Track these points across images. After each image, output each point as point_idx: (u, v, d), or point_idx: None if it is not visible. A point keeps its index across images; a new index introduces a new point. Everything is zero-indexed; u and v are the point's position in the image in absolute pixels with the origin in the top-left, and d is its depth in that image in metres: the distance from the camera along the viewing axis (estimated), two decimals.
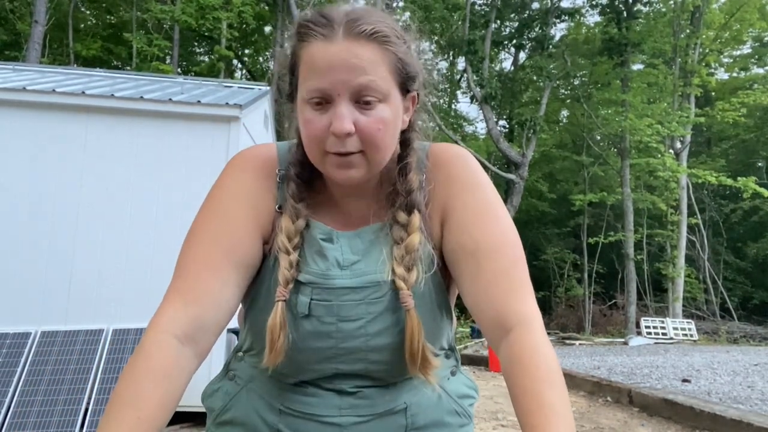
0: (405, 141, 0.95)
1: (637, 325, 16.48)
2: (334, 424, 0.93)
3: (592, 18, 23.09)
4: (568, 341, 14.90)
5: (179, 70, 19.51)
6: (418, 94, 0.94)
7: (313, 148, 0.87)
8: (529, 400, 0.79)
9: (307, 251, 0.92)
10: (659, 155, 18.54)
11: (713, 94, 24.07)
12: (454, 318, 1.02)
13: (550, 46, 20.73)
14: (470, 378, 1.07)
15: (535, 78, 22.78)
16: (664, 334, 15.45)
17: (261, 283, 0.93)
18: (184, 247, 0.90)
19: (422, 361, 0.88)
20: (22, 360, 4.15)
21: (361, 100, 0.84)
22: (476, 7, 20.78)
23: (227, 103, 5.20)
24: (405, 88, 0.90)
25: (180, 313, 0.83)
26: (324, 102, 0.84)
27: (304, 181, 0.95)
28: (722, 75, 25.81)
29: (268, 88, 7.53)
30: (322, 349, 0.91)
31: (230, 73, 21.20)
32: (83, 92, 5.15)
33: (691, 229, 20.44)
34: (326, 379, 0.93)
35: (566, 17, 21.53)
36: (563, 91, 23.82)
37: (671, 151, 19.17)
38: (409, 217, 0.91)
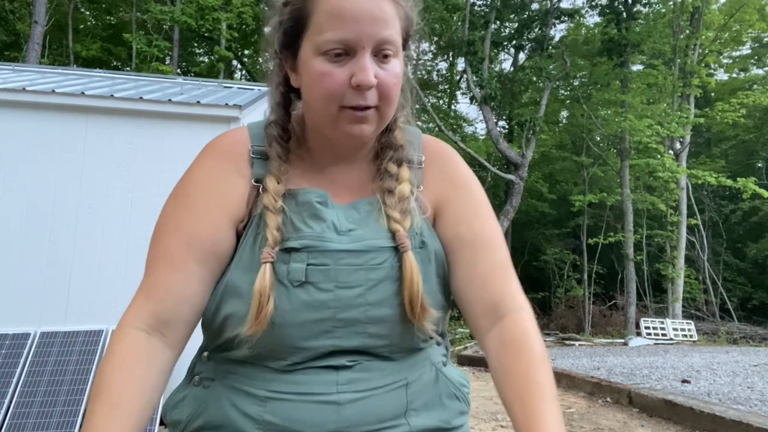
0: None
1: (637, 326, 16.48)
2: (330, 402, 0.84)
3: (592, 19, 23.11)
4: (567, 342, 14.89)
5: (179, 70, 19.51)
6: (408, 56, 0.94)
7: (328, 103, 0.84)
8: (523, 380, 0.82)
9: (297, 216, 0.88)
10: (659, 156, 18.53)
11: (713, 94, 24.08)
12: (449, 306, 0.98)
13: (550, 47, 20.73)
14: (459, 370, 1.05)
15: (534, 79, 22.76)
16: (663, 334, 15.45)
17: (237, 262, 0.86)
18: (150, 244, 0.88)
19: (421, 308, 0.86)
20: (22, 361, 4.14)
21: (381, 54, 0.84)
22: (476, 7, 20.78)
23: (227, 104, 5.20)
24: (405, 45, 0.91)
25: (143, 310, 0.83)
26: (344, 54, 0.82)
27: (286, 141, 0.93)
28: (722, 76, 25.84)
29: (268, 88, 7.52)
30: (318, 322, 0.85)
31: (230, 74, 21.20)
32: (83, 93, 5.15)
33: (691, 229, 20.44)
34: (321, 358, 0.86)
35: (566, 18, 21.54)
36: (563, 91, 23.81)
37: (671, 151, 19.17)
38: (399, 168, 0.92)
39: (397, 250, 0.87)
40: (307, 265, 0.85)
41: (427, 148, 0.99)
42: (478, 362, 9.30)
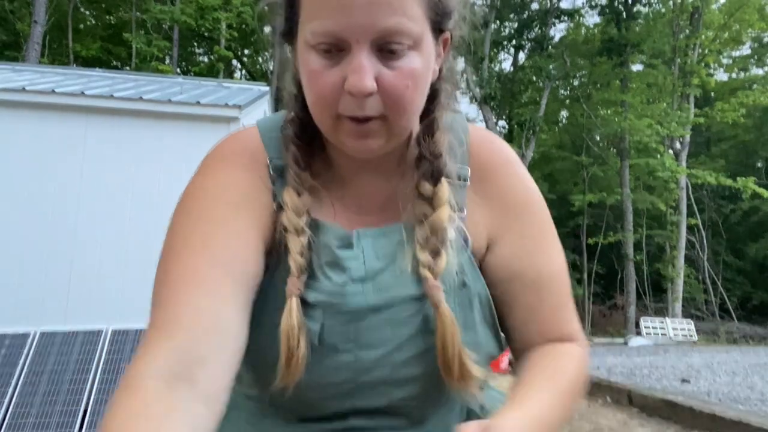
0: (433, 93, 0.72)
1: (637, 326, 16.48)
2: None
3: (592, 18, 23.21)
4: None
5: (179, 70, 19.50)
6: (451, 35, 0.73)
7: (322, 111, 0.66)
8: (544, 364, 0.74)
9: (315, 262, 0.71)
10: (659, 155, 18.56)
11: (712, 94, 24.08)
12: (502, 351, 0.82)
13: (550, 47, 20.75)
14: (500, 391, 0.88)
15: (534, 78, 22.78)
16: (663, 334, 15.46)
17: (262, 296, 0.70)
18: (160, 268, 0.66)
19: (460, 370, 0.70)
20: (21, 361, 4.14)
21: (386, 48, 0.63)
22: (476, 7, 20.77)
23: (227, 104, 5.21)
24: (438, 28, 0.69)
25: (160, 352, 0.57)
26: (336, 50, 0.63)
27: (307, 142, 0.74)
28: (721, 75, 25.84)
29: (268, 88, 7.53)
30: (335, 385, 0.72)
31: (230, 74, 21.20)
32: (83, 92, 5.15)
33: (691, 229, 20.44)
34: (339, 416, 0.74)
35: (566, 18, 21.57)
36: (563, 91, 23.82)
37: (670, 151, 19.18)
38: (435, 187, 0.72)
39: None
40: (323, 324, 0.70)
41: (475, 156, 0.78)
42: None
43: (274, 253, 0.72)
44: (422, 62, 0.65)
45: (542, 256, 0.78)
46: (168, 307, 0.62)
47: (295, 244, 0.69)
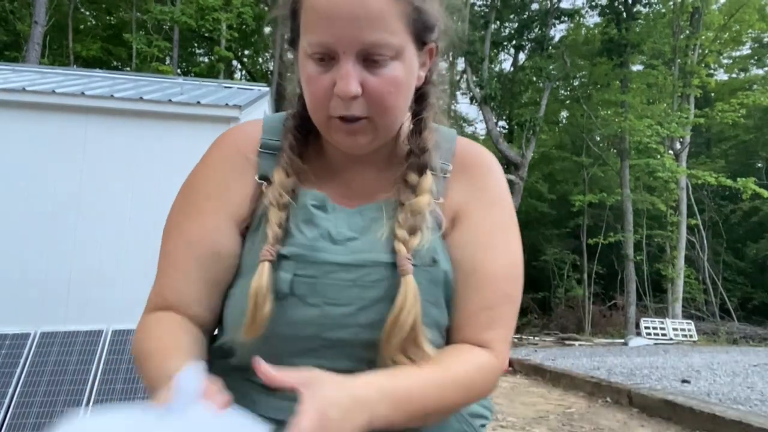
0: (421, 96, 0.85)
1: (637, 326, 16.48)
2: None
3: (592, 19, 23.11)
4: (567, 342, 14.90)
5: (179, 70, 19.51)
6: (437, 45, 0.83)
7: (316, 110, 0.78)
8: (437, 355, 0.77)
9: (292, 220, 0.80)
10: (659, 156, 18.54)
11: (713, 95, 24.08)
12: None
13: (550, 47, 20.74)
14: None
15: (534, 79, 22.77)
16: (663, 334, 15.46)
17: (240, 266, 0.82)
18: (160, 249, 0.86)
19: (410, 340, 0.74)
20: (21, 361, 4.14)
21: (370, 58, 0.74)
22: (476, 7, 20.79)
23: (227, 104, 5.21)
24: (421, 40, 0.79)
25: (156, 308, 0.83)
26: (328, 58, 0.74)
27: (304, 135, 0.85)
28: (722, 76, 25.85)
29: (268, 88, 7.53)
30: (302, 339, 0.77)
31: (230, 74, 21.20)
32: (83, 93, 5.16)
33: (691, 229, 20.43)
34: None
35: (566, 18, 21.56)
36: (563, 91, 23.82)
37: (671, 151, 19.17)
38: (420, 177, 0.81)
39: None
40: (294, 275, 0.77)
41: (459, 156, 0.88)
42: None
43: (256, 222, 0.82)
44: (404, 70, 0.76)
45: (490, 253, 0.83)
46: (158, 280, 0.84)
47: (275, 216, 0.79)
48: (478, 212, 0.85)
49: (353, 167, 0.86)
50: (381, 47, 0.73)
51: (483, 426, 0.91)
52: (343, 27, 0.72)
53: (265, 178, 0.84)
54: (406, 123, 0.86)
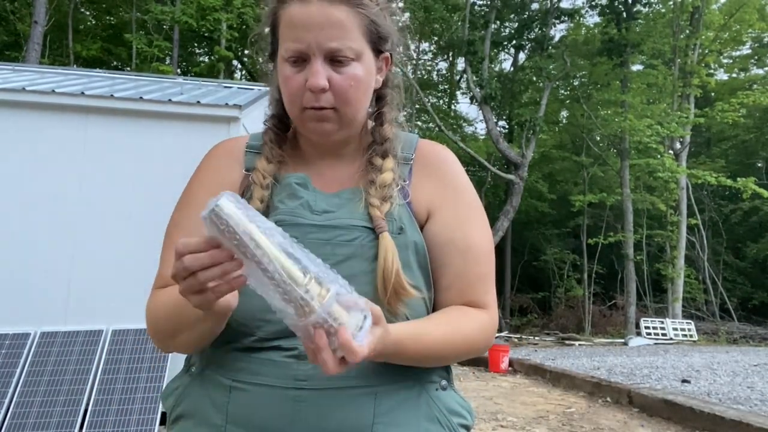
0: (380, 97, 1.01)
1: (637, 326, 16.49)
2: (288, 398, 0.83)
3: (592, 19, 23.10)
4: (567, 342, 14.90)
5: (179, 70, 19.51)
6: (391, 55, 0.99)
7: (292, 104, 0.93)
8: (445, 310, 0.93)
9: (277, 197, 0.94)
10: (659, 156, 18.54)
11: (713, 94, 24.07)
12: (430, 298, 0.96)
13: (550, 47, 20.73)
14: (465, 399, 0.99)
15: (534, 78, 22.78)
16: (663, 334, 15.46)
17: None
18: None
19: (395, 288, 0.85)
20: (22, 360, 4.14)
21: (335, 60, 0.90)
22: (476, 7, 20.78)
23: (227, 104, 5.20)
24: (377, 49, 0.95)
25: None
26: (301, 60, 0.90)
27: (282, 132, 1.01)
28: (722, 75, 25.85)
29: (268, 88, 7.52)
30: None
31: (230, 74, 21.20)
32: (83, 93, 5.15)
33: (691, 229, 20.44)
34: (285, 339, 0.85)
35: (566, 18, 21.54)
36: (563, 91, 23.81)
37: (671, 151, 19.17)
38: (383, 160, 0.96)
39: (373, 232, 0.89)
40: None
41: (421, 149, 1.02)
42: (478, 362, 9.31)
43: None
44: (363, 70, 0.92)
45: (471, 227, 0.97)
46: (157, 271, 0.96)
47: (258, 193, 0.93)
48: (449, 200, 0.98)
49: (325, 160, 1.00)
50: (344, 50, 0.89)
51: (461, 426, 0.95)
52: (314, 34, 0.88)
53: (250, 170, 0.98)
54: (370, 123, 1.01)
